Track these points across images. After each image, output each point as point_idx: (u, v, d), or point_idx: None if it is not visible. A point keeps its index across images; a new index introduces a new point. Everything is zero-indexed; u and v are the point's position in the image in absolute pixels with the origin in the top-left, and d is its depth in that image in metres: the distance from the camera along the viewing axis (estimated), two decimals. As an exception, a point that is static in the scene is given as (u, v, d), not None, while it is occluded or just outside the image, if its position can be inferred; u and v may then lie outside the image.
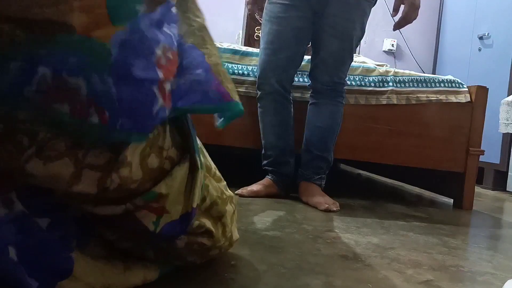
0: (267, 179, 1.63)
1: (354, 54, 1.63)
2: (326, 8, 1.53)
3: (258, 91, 1.62)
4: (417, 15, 1.52)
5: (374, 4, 1.61)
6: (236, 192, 1.55)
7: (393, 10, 1.52)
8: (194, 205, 0.62)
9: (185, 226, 0.62)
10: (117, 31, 0.49)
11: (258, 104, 1.64)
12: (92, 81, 0.48)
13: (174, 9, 0.59)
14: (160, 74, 0.53)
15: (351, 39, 1.55)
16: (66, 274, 0.55)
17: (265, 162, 1.65)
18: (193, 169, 0.63)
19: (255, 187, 1.59)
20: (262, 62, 1.59)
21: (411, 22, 1.52)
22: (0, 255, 0.50)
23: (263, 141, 1.64)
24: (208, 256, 0.76)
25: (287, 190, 1.65)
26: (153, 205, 0.58)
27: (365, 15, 1.57)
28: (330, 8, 1.52)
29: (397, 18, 1.55)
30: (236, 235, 0.84)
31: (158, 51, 0.53)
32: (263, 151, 1.66)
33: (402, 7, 1.52)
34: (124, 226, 0.60)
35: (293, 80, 1.65)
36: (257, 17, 1.71)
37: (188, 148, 0.64)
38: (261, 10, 1.68)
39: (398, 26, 1.54)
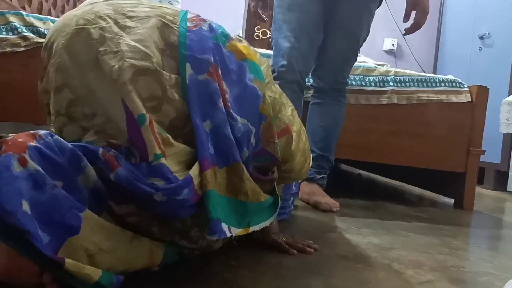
0: None
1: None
2: (335, 8, 1.52)
3: (277, 80, 1.47)
4: (426, 20, 1.50)
5: (379, 6, 1.60)
6: None
7: (405, 16, 1.50)
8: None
9: (176, 188, 0.64)
10: None
11: None
12: None
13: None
14: None
15: (358, 39, 1.55)
16: (74, 232, 0.57)
17: None
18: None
19: None
20: (287, 49, 1.47)
21: (420, 28, 1.51)
22: (14, 207, 0.52)
23: None
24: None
25: None
26: (159, 140, 0.64)
27: (372, 16, 1.57)
28: (340, 8, 1.51)
29: (407, 23, 1.53)
30: None
31: None
32: None
33: (413, 13, 1.51)
34: (133, 141, 0.64)
35: (308, 74, 1.59)
36: (260, 11, 1.69)
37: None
38: (264, 5, 1.67)
39: (409, 32, 1.52)
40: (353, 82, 1.76)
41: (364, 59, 2.19)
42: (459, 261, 1.01)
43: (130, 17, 0.71)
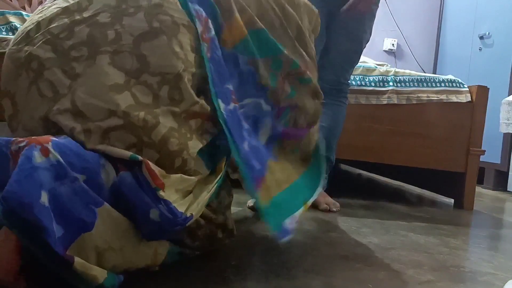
0: None
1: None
2: (339, 10, 1.52)
3: None
4: (366, 5, 1.43)
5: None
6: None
7: None
8: (188, 214, 0.66)
9: (174, 220, 0.63)
10: None
11: None
12: None
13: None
14: None
15: (361, 41, 1.55)
16: (88, 228, 0.57)
17: None
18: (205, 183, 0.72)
19: None
20: None
21: (356, 9, 1.43)
22: (32, 199, 0.52)
23: None
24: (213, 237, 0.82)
25: None
26: (156, 173, 0.63)
27: (374, 18, 1.58)
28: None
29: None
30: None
31: None
32: None
33: None
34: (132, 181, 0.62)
35: None
36: None
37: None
38: None
39: (345, 11, 1.46)
40: (353, 82, 1.76)
41: (364, 59, 2.18)
42: (459, 261, 1.01)
43: (76, 59, 0.66)
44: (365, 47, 1.63)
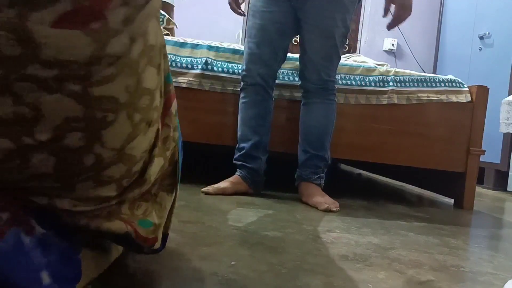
0: (236, 176, 1.61)
1: (340, 52, 1.61)
2: (305, 6, 1.53)
3: (241, 82, 1.64)
4: (410, 13, 1.48)
5: (359, 2, 1.61)
6: (202, 189, 1.53)
7: (384, 12, 1.50)
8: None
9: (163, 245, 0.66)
10: None
11: (240, 95, 1.65)
12: None
13: None
14: None
15: (333, 36, 1.55)
16: (77, 279, 0.57)
17: (236, 155, 1.64)
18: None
19: (222, 184, 1.57)
20: (246, 54, 1.61)
21: (402, 21, 1.49)
22: (35, 284, 0.49)
23: (238, 134, 1.64)
24: None
25: (257, 188, 1.63)
26: (150, 237, 0.62)
27: (347, 11, 1.55)
28: (311, 7, 1.52)
29: (388, 19, 1.53)
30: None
31: None
32: (237, 145, 1.65)
33: (392, 7, 1.49)
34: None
35: (276, 76, 1.65)
36: (239, 10, 1.72)
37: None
38: (241, 3, 1.72)
39: (390, 26, 1.52)
40: (353, 82, 1.77)
41: (364, 59, 2.19)
42: (459, 261, 1.01)
43: None
44: (344, 42, 1.61)
